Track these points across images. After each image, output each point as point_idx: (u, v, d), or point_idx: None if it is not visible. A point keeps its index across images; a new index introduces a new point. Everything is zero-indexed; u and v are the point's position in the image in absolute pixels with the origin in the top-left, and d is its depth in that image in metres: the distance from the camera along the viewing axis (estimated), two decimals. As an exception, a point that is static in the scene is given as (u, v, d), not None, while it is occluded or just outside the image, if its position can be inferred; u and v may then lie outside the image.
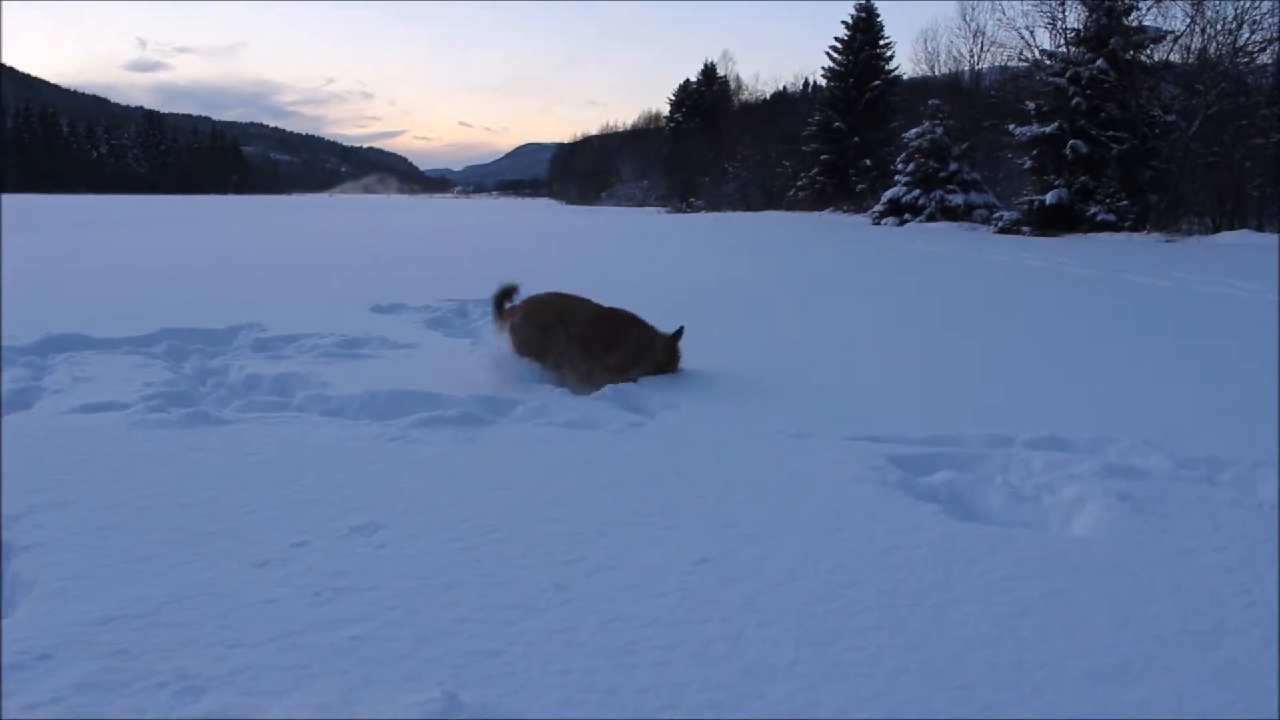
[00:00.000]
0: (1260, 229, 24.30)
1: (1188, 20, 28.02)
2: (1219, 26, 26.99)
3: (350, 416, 4.71)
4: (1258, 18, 26.35)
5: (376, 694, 2.08)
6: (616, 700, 2.08)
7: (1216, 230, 24.33)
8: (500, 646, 2.30)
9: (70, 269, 12.15)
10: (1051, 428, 4.46)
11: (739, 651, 2.30)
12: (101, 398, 4.85)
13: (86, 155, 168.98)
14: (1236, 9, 26.48)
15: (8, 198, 57.68)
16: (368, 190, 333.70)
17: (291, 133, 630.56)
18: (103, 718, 1.97)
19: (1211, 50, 27.22)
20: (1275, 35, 26.63)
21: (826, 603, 2.58)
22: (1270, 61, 27.52)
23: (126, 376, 5.42)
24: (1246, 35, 26.65)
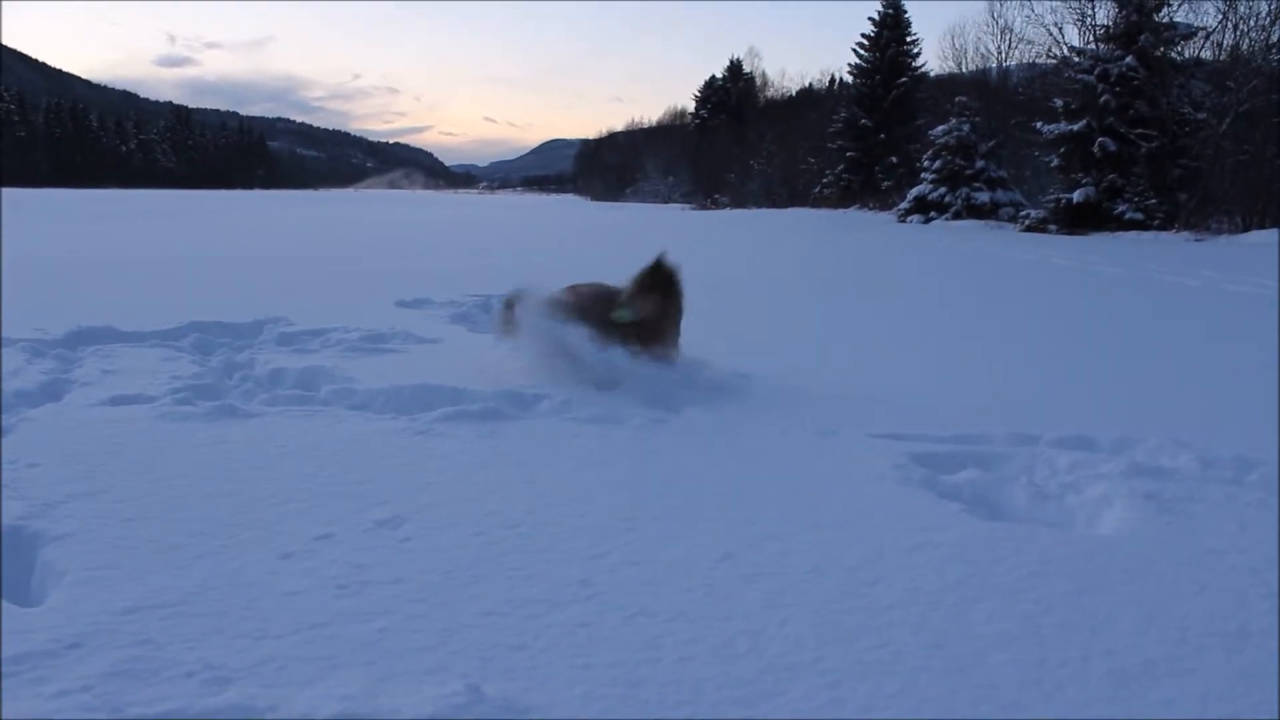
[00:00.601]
0: (1292, 228, 24.06)
1: (1220, 16, 27.85)
2: (1252, 23, 26.80)
3: (375, 410, 4.73)
4: (1293, 13, 26.10)
5: (400, 686, 2.09)
6: (639, 695, 2.08)
7: (1247, 229, 24.08)
8: (524, 640, 2.31)
9: (98, 262, 12.27)
10: (1077, 426, 4.44)
11: (761, 648, 2.30)
12: (130, 390, 4.90)
13: (116, 150, 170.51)
14: (1270, 5, 26.26)
15: (38, 192, 58.23)
16: (393, 185, 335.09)
17: (318, 128, 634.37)
18: (129, 705, 2.00)
19: (1244, 47, 27.01)
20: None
21: (849, 600, 2.58)
22: (1304, 58, 27.25)
23: (154, 369, 5.48)
24: (1280, 32, 26.39)
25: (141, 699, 2.02)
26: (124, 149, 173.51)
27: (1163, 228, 25.64)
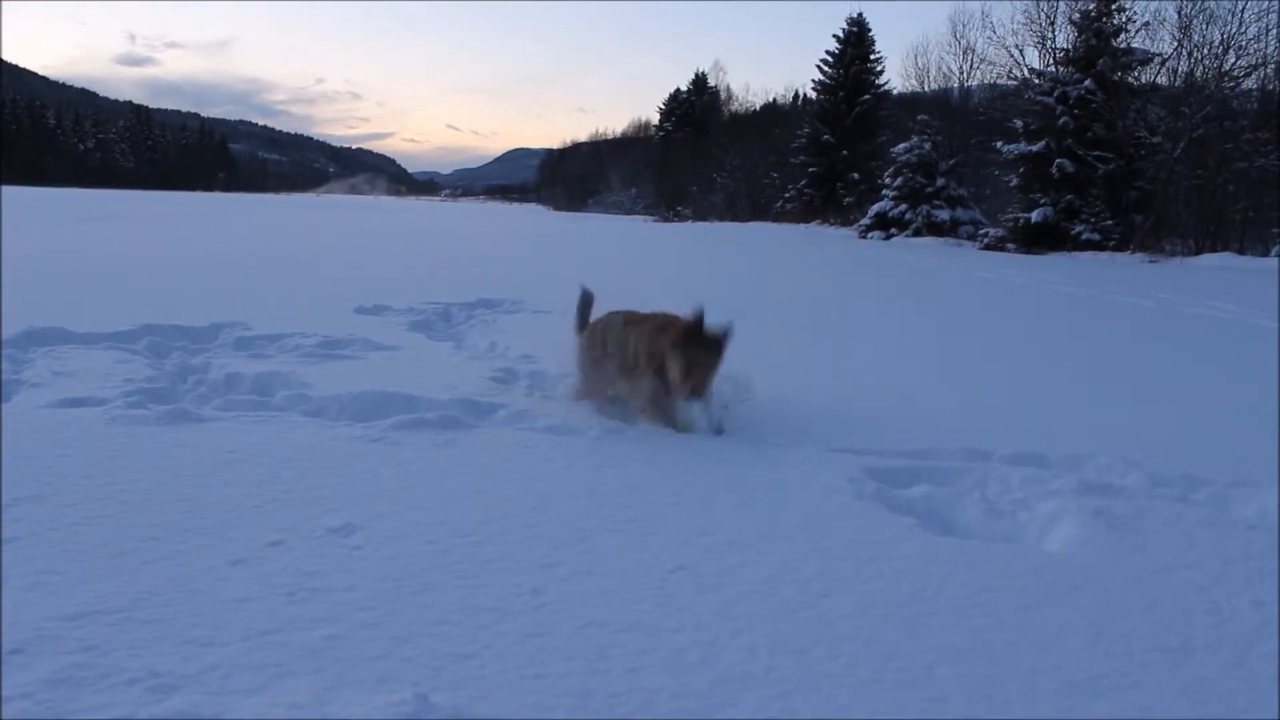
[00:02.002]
0: (1241, 252, 24.49)
1: (1175, 43, 28.27)
2: (1205, 50, 27.25)
3: (330, 417, 4.70)
4: (1244, 43, 26.65)
5: (349, 694, 2.08)
6: (589, 705, 2.08)
7: (1199, 252, 24.49)
8: (474, 649, 2.30)
9: (51, 263, 12.09)
10: (1030, 444, 4.48)
11: (713, 659, 2.31)
12: (81, 392, 4.83)
13: (73, 149, 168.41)
14: (1223, 34, 26.74)
15: (-8, 190, 57.31)
16: (354, 190, 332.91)
17: (281, 131, 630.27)
18: (70, 714, 1.96)
19: (1198, 74, 27.45)
20: (1260, 60, 26.92)
21: (802, 612, 2.59)
22: (1255, 86, 27.81)
23: (107, 372, 5.40)
24: (1232, 60, 26.92)
25: (84, 706, 1.99)
26: (82, 148, 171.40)
27: (1118, 249, 26.01)
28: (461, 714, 2.02)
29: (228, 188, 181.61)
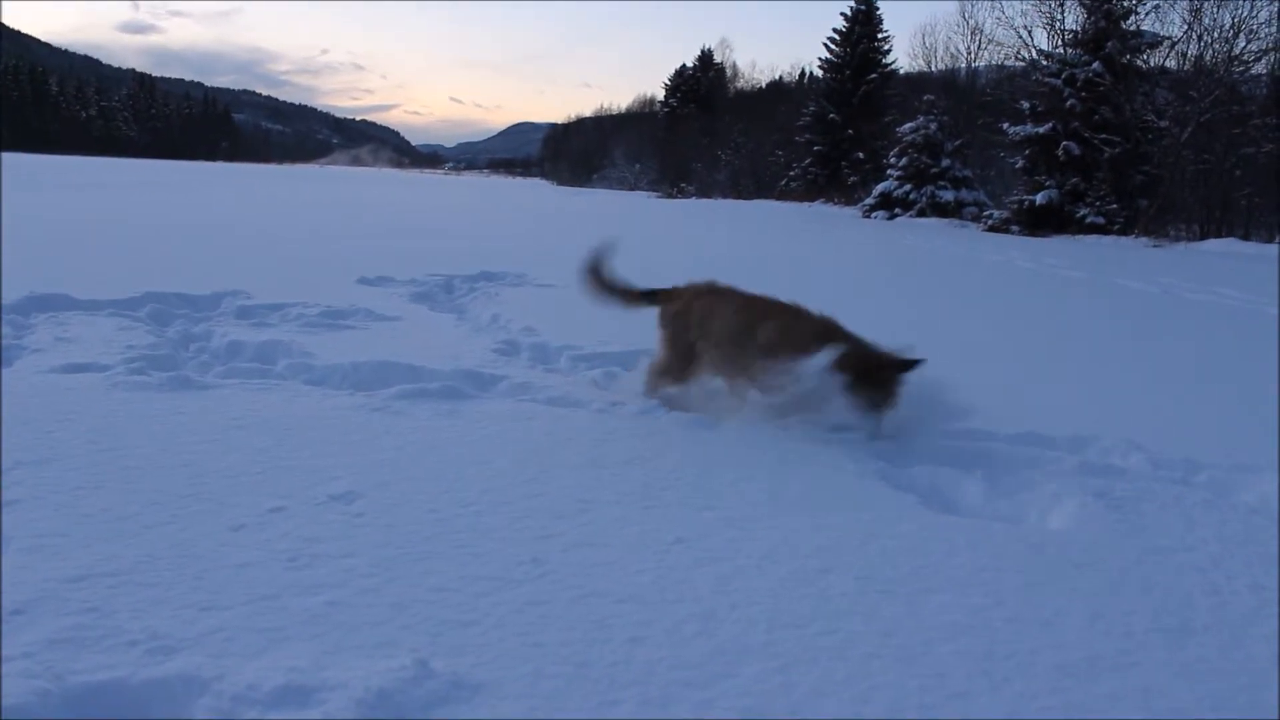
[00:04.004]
0: (1246, 238, 24.44)
1: (1185, 26, 28.15)
2: (1216, 34, 27.15)
3: (333, 386, 4.70)
4: (1255, 27, 26.55)
5: (348, 659, 2.08)
6: (587, 674, 2.08)
7: (1203, 237, 24.45)
8: (474, 617, 2.30)
9: (55, 230, 12.07)
10: (1034, 424, 4.48)
11: (711, 631, 2.31)
12: (83, 358, 4.83)
13: (75, 116, 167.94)
14: (1234, 17, 26.60)
15: (-6, 155, 57.19)
16: (356, 162, 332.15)
17: (284, 102, 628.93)
18: (72, 673, 1.97)
19: (1208, 57, 27.35)
20: (1271, 45, 26.78)
21: (802, 587, 2.59)
22: (1265, 71, 27.67)
23: (109, 338, 5.40)
24: (1243, 44, 26.84)
25: (84, 667, 1.99)
26: (84, 115, 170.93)
27: (1122, 232, 25.98)
28: (461, 680, 2.02)
29: (231, 158, 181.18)
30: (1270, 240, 23.38)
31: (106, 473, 3.19)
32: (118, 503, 2.92)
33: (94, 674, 1.97)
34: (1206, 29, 27.32)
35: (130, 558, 2.53)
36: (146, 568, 2.47)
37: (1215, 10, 27.08)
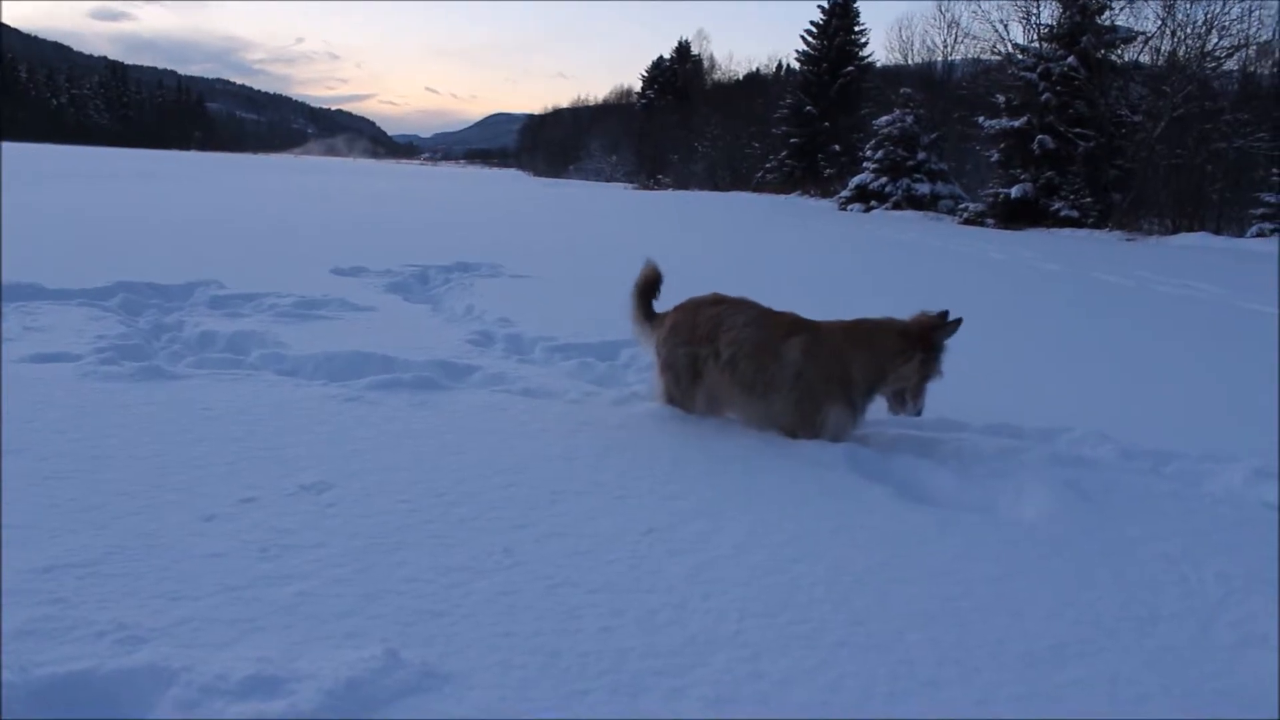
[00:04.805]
0: (1218, 232, 24.66)
1: (1159, 22, 28.28)
2: (1189, 30, 27.29)
3: (305, 376, 4.68)
4: (1226, 23, 26.72)
5: (318, 649, 2.07)
6: (558, 663, 2.08)
7: (1176, 231, 24.63)
8: (445, 607, 2.30)
9: (24, 220, 11.93)
10: (1005, 415, 4.51)
11: (683, 620, 2.31)
12: (53, 348, 4.78)
13: (46, 104, 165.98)
14: (1207, 13, 26.78)
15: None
16: (331, 152, 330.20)
17: (259, 91, 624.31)
18: (39, 665, 1.95)
19: (1180, 53, 27.51)
20: (1242, 41, 27.00)
21: (773, 576, 2.60)
22: (1236, 67, 27.91)
23: (79, 328, 5.35)
24: (1215, 40, 27.01)
25: (51, 658, 1.98)
26: (55, 103, 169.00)
27: (1096, 226, 26.12)
28: (431, 670, 2.02)
29: (204, 147, 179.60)
30: (1241, 234, 23.60)
31: (75, 463, 3.16)
32: (86, 493, 2.90)
33: (60, 665, 1.95)
34: (1180, 25, 27.49)
35: (99, 548, 2.51)
36: (115, 558, 2.46)
37: (1188, 6, 27.27)
